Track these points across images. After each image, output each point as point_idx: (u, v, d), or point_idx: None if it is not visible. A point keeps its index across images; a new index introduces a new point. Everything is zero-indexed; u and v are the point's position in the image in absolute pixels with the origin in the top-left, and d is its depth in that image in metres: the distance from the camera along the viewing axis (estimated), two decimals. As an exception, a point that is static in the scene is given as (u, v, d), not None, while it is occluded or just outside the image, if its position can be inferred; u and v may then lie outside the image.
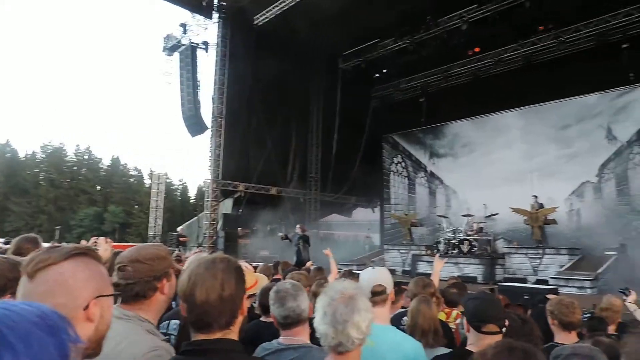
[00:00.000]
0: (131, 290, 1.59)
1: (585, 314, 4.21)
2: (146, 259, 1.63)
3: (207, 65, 18.72)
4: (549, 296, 4.56)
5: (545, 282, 11.78)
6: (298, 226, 14.36)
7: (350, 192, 22.29)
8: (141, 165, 71.98)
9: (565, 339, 2.79)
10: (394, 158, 22.49)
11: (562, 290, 9.85)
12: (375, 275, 2.51)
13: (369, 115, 21.42)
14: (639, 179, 14.82)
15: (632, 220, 14.74)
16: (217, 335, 1.35)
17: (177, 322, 2.27)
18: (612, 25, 14.71)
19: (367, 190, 22.62)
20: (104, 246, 4.50)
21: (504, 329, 2.16)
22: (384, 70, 21.00)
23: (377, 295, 2.31)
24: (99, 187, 50.88)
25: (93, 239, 4.99)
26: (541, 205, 14.49)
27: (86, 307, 1.01)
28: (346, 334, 1.54)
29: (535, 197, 14.76)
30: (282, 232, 15.94)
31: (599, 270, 11.72)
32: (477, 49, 18.29)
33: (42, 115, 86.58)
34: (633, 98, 15.00)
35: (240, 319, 1.42)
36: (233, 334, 1.40)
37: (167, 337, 2.11)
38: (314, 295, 3.82)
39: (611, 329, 3.94)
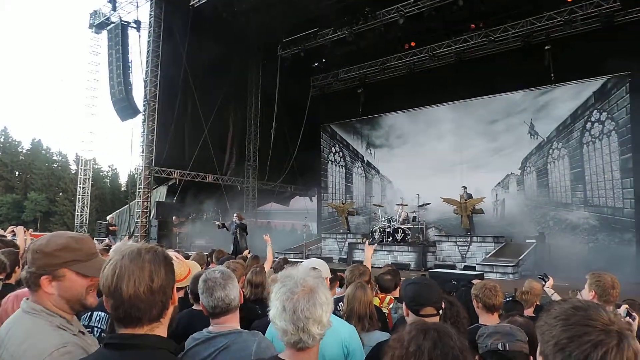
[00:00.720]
0: (22, 277, 1.50)
1: (507, 297, 4.49)
2: (34, 250, 1.51)
3: (139, 45, 17.76)
4: (474, 281, 4.82)
5: (472, 268, 12.42)
6: (235, 214, 14.18)
7: (289, 180, 22.29)
8: (66, 150, 67.67)
9: (488, 320, 2.97)
10: (332, 147, 22.74)
11: (487, 275, 10.43)
12: (313, 264, 2.53)
13: (308, 104, 21.44)
14: (556, 172, 16.00)
15: (550, 211, 15.93)
16: (145, 329, 1.27)
17: (102, 314, 2.15)
18: (537, 27, 15.63)
19: (305, 179, 22.73)
20: (21, 235, 4.22)
21: (440, 311, 2.25)
22: (323, 60, 21.11)
23: None
24: (17, 173, 47.35)
25: (10, 228, 4.66)
26: (470, 196, 15.25)
27: None
28: (307, 330, 1.46)
29: (465, 187, 15.51)
30: (219, 220, 15.66)
31: (520, 257, 12.52)
32: (412, 44, 18.82)
33: (-48, 92, 79.00)
34: (553, 97, 16.11)
35: (170, 310, 1.35)
36: (163, 326, 1.32)
37: (90, 329, 2.00)
38: (249, 284, 3.81)
39: (530, 311, 4.24)
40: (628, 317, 2.32)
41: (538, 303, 4.46)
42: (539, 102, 16.46)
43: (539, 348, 1.07)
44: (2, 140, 47.31)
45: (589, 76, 15.12)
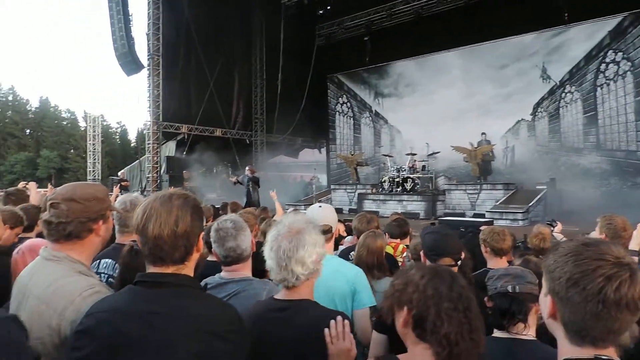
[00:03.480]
0: (64, 230, 1.53)
1: (518, 243, 4.52)
2: (82, 199, 1.56)
3: (140, -2, 17.24)
4: (482, 228, 4.85)
5: (482, 215, 12.46)
6: (248, 168, 14.23)
7: (297, 132, 22.17)
8: (74, 107, 67.58)
9: (497, 264, 2.99)
10: (339, 98, 22.43)
11: (496, 222, 10.40)
12: (322, 213, 2.54)
13: (314, 55, 20.96)
14: (569, 117, 15.70)
15: (561, 156, 15.77)
16: (171, 269, 1.34)
17: (109, 260, 2.22)
18: (552, -37, 14.86)
19: (313, 131, 22.61)
20: (34, 191, 4.29)
21: (459, 262, 2.26)
22: (328, 7, 20.41)
23: (323, 234, 2.34)
24: (28, 131, 47.67)
25: (22, 184, 4.74)
26: (488, 142, 15.10)
27: None
28: (289, 269, 1.57)
29: (484, 134, 15.30)
30: (229, 174, 15.77)
31: (531, 203, 12.51)
32: (421, -15, 18.09)
33: (-45, 52, 78.34)
34: (567, 38, 15.55)
35: (196, 256, 1.41)
36: (188, 269, 1.38)
37: (99, 275, 2.07)
38: (263, 234, 3.86)
39: (538, 256, 4.28)
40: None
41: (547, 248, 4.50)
42: (552, 44, 15.91)
43: (545, 287, 1.07)
44: (10, 99, 47.32)
45: (605, 14, 14.48)
